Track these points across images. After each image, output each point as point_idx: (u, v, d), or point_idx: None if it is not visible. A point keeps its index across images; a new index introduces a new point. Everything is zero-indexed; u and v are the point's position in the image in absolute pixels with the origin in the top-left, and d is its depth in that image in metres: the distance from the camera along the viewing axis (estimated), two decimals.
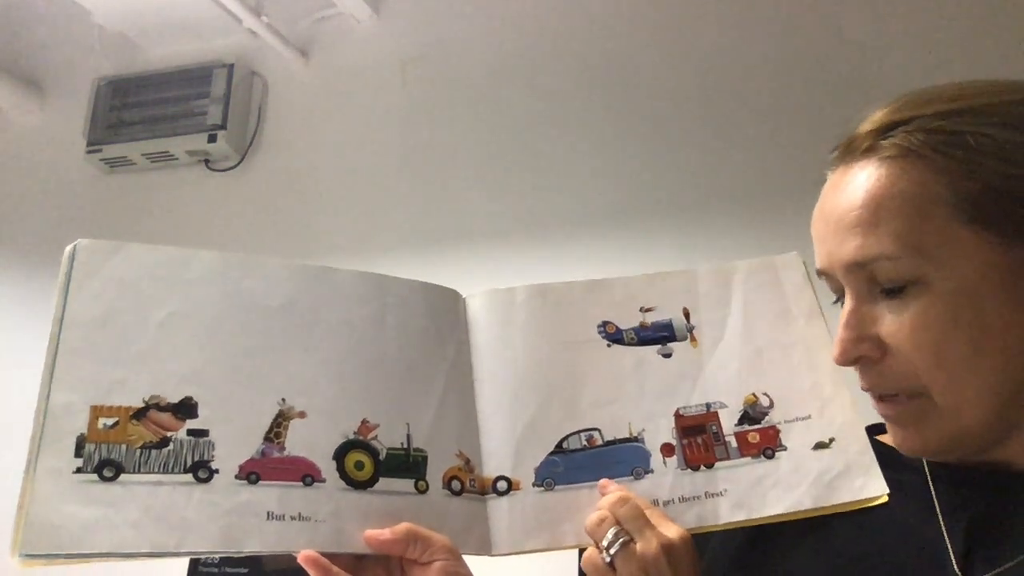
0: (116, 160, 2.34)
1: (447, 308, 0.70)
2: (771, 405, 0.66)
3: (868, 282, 0.56)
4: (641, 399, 0.67)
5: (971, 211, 0.52)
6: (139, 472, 0.55)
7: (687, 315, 0.70)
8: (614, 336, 0.69)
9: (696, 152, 1.92)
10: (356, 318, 0.65)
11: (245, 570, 1.79)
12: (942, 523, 0.58)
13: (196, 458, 0.57)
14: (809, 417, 0.66)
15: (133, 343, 0.58)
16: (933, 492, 0.60)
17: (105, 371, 0.56)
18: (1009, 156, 0.52)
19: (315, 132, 2.27)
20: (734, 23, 1.98)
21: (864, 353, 0.56)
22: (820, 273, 0.61)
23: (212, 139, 2.24)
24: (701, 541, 0.64)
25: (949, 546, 0.56)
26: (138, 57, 2.44)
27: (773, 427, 0.66)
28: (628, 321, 0.69)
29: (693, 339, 0.69)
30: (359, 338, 0.65)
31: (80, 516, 0.52)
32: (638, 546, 0.58)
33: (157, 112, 2.31)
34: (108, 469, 0.54)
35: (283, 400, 0.60)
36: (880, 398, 0.58)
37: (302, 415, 0.60)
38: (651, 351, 0.69)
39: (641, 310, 0.70)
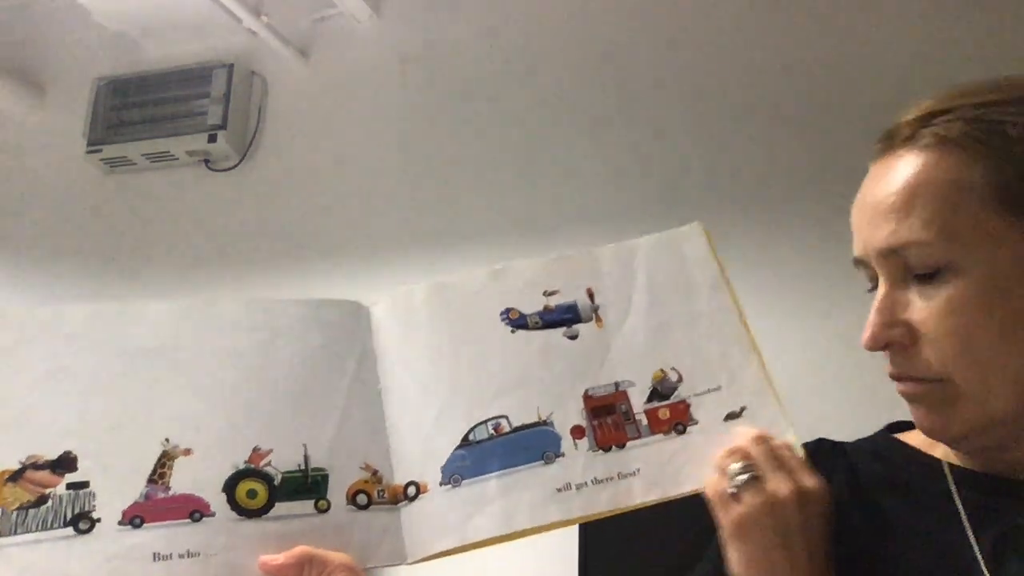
0: (116, 160, 2.34)
1: (345, 322, 0.69)
2: (679, 380, 0.66)
3: (901, 269, 0.56)
4: (549, 383, 0.66)
5: (1005, 199, 0.53)
6: (15, 534, 0.55)
7: (591, 296, 0.69)
8: (517, 322, 0.68)
9: (696, 152, 1.92)
10: (243, 347, 0.65)
11: None
12: (968, 530, 0.57)
13: (76, 511, 0.57)
14: (719, 388, 0.65)
15: (9, 406, 0.58)
16: (957, 499, 0.59)
17: None
18: None
19: (315, 132, 2.27)
20: (734, 23, 1.98)
21: (894, 339, 0.56)
22: (856, 262, 0.61)
23: (212, 139, 2.24)
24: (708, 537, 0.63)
25: (978, 554, 0.55)
26: (138, 57, 2.44)
27: (683, 401, 0.65)
28: (532, 306, 0.69)
29: (598, 319, 0.69)
30: (247, 367, 0.64)
31: None
32: (768, 484, 0.57)
33: (157, 112, 2.31)
34: None
35: (167, 440, 0.60)
36: (903, 378, 0.58)
37: (187, 452, 0.60)
38: (556, 334, 0.68)
39: (544, 294, 0.69)
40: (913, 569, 0.57)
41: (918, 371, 0.56)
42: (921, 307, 0.55)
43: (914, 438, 0.66)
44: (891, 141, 0.59)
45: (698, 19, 2.02)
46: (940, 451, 0.63)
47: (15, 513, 0.55)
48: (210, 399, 0.62)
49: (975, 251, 0.53)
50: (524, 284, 0.70)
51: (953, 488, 0.60)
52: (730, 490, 0.58)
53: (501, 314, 0.69)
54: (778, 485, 0.57)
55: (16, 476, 0.56)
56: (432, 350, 0.68)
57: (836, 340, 1.62)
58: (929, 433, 0.58)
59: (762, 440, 0.60)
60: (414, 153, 2.16)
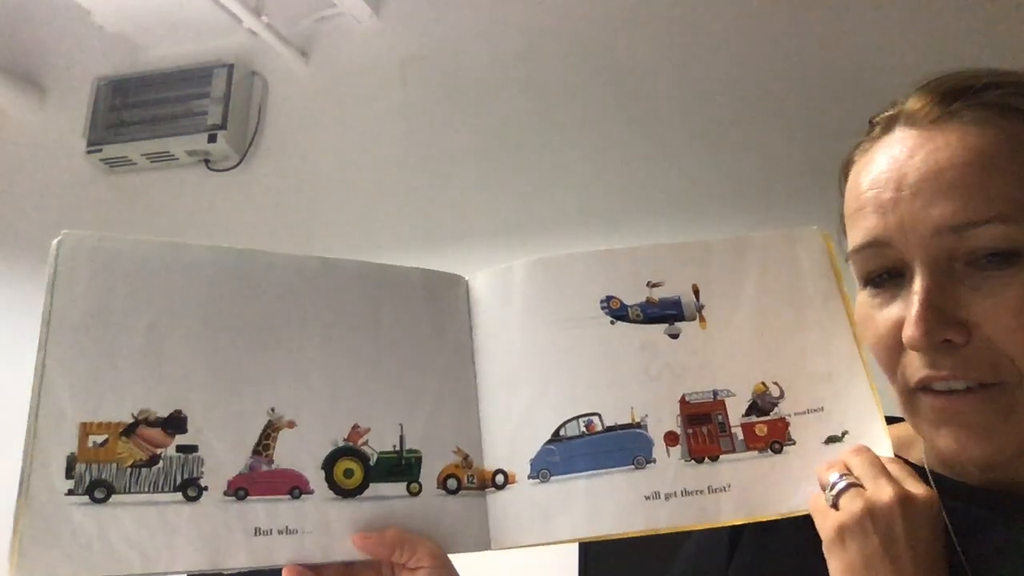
0: (116, 160, 2.34)
1: (447, 294, 0.68)
2: (781, 395, 0.62)
3: (949, 255, 0.50)
4: (645, 383, 0.62)
5: None
6: (129, 492, 0.54)
7: (696, 292, 0.65)
8: (618, 312, 0.64)
9: (696, 152, 1.92)
10: (352, 313, 0.63)
11: None
12: (955, 541, 0.54)
13: (185, 476, 0.56)
14: (821, 409, 0.61)
15: (122, 348, 0.56)
16: (943, 509, 0.55)
17: (94, 382, 0.55)
18: None
19: (315, 132, 2.27)
20: (734, 23, 1.98)
21: (950, 337, 0.49)
22: (866, 246, 0.54)
23: (212, 139, 2.24)
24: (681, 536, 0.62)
25: (965, 565, 0.53)
26: (138, 57, 2.44)
27: (782, 419, 0.62)
28: (634, 296, 0.64)
29: (702, 319, 0.64)
30: (354, 336, 0.63)
31: (74, 539, 0.52)
32: (868, 491, 0.52)
33: (157, 112, 2.31)
34: (99, 490, 0.54)
35: (272, 409, 0.59)
36: (947, 392, 0.51)
37: (291, 424, 0.59)
38: (657, 330, 0.64)
39: (648, 285, 0.65)
40: None
41: (972, 373, 0.49)
42: (984, 298, 0.48)
43: (893, 434, 0.63)
44: (914, 117, 0.53)
45: (698, 19, 2.02)
46: (917, 456, 0.61)
47: (129, 471, 0.55)
48: (314, 368, 0.61)
49: None
50: (629, 271, 0.65)
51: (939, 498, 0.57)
52: (829, 500, 0.54)
53: (602, 302, 0.64)
54: (879, 491, 0.52)
55: (130, 431, 0.55)
56: (527, 334, 0.65)
57: None
58: (969, 462, 0.52)
59: (863, 450, 0.56)
60: (414, 153, 2.16)
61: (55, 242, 0.57)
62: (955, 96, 0.52)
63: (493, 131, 2.11)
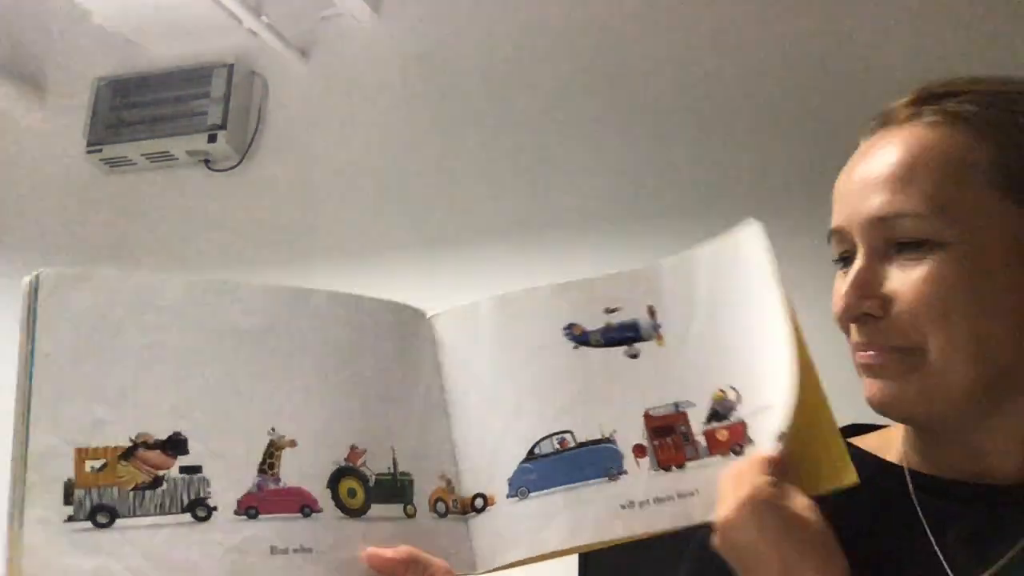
0: (116, 160, 2.34)
1: (415, 329, 0.68)
2: (738, 399, 0.65)
3: (884, 240, 0.57)
4: (611, 401, 0.66)
5: (1007, 182, 0.54)
6: (135, 516, 0.52)
7: (652, 313, 0.68)
8: (581, 338, 0.68)
9: (696, 152, 1.92)
10: (334, 340, 0.63)
11: None
12: (929, 533, 0.58)
13: (192, 496, 0.54)
14: (771, 406, 0.63)
15: (112, 378, 0.54)
16: (916, 501, 0.60)
17: (86, 410, 0.53)
18: None
19: (315, 132, 2.27)
20: (734, 23, 1.98)
21: (867, 310, 0.57)
22: (833, 232, 0.61)
23: (212, 139, 2.24)
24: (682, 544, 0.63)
25: (942, 559, 0.56)
26: (138, 57, 2.44)
27: (741, 422, 0.64)
28: (594, 323, 0.68)
29: (659, 337, 0.67)
30: (339, 361, 0.62)
31: (79, 568, 0.49)
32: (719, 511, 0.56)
33: (157, 112, 2.31)
34: (102, 515, 0.51)
35: (273, 429, 0.58)
36: (871, 347, 0.58)
37: (292, 444, 0.58)
38: (618, 352, 0.67)
39: (606, 311, 0.68)
40: (876, 574, 0.57)
41: (889, 340, 0.56)
42: (899, 278, 0.56)
43: (871, 442, 0.67)
44: (890, 119, 0.60)
45: (698, 19, 2.02)
46: (896, 455, 0.64)
47: (131, 493, 0.52)
48: (310, 390, 0.60)
49: (966, 228, 0.54)
50: (587, 300, 0.68)
51: (912, 493, 0.60)
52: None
53: (564, 330, 0.68)
54: (722, 509, 0.56)
55: (128, 454, 0.53)
56: (498, 365, 0.67)
57: (834, 340, 1.61)
58: (880, 405, 0.58)
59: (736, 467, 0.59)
60: (414, 153, 2.16)
61: (30, 278, 0.54)
62: (925, 101, 0.58)
63: (492, 131, 2.11)
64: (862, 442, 0.67)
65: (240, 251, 2.21)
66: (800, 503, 0.54)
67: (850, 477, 0.58)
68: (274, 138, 2.31)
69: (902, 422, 0.61)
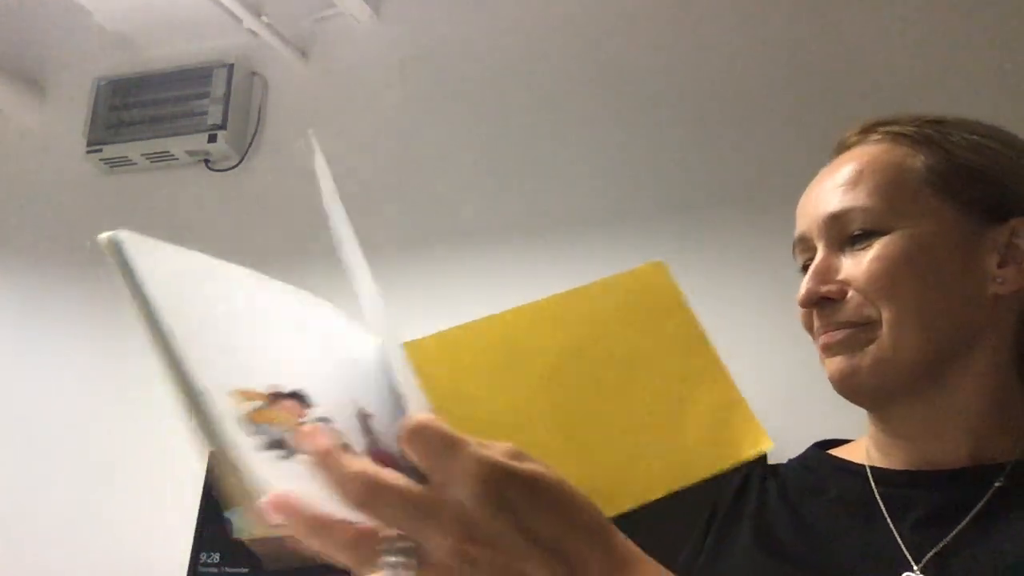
0: (116, 160, 2.34)
1: None
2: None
3: (839, 234, 0.65)
4: None
5: (939, 183, 0.63)
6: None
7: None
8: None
9: (696, 152, 1.92)
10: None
11: (245, 570, 1.79)
12: (890, 523, 0.62)
13: (340, 442, 0.53)
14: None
15: (224, 334, 0.53)
16: (877, 495, 0.64)
17: (220, 358, 0.51)
18: (980, 151, 0.64)
19: (315, 132, 2.27)
20: (733, 23, 1.99)
21: (826, 294, 0.64)
22: (797, 242, 0.69)
23: (212, 139, 2.24)
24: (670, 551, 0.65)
25: (900, 542, 0.60)
26: (138, 57, 2.45)
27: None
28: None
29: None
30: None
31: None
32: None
33: (157, 112, 2.31)
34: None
35: (355, 400, 0.58)
36: (827, 328, 0.64)
37: (370, 416, 0.59)
38: None
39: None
40: (841, 565, 0.61)
41: (845, 317, 0.63)
42: (853, 265, 0.63)
43: (839, 451, 0.71)
44: (841, 145, 0.70)
45: (698, 20, 2.02)
46: (862, 457, 0.68)
47: (293, 432, 0.50)
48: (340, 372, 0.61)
49: (906, 218, 0.62)
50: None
51: (874, 486, 0.64)
52: None
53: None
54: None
55: (273, 400, 0.52)
56: None
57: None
58: (839, 381, 0.64)
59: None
60: (413, 153, 2.16)
61: (108, 236, 0.50)
62: (872, 128, 0.69)
63: (492, 131, 2.11)
64: (832, 452, 0.72)
65: (240, 251, 2.21)
66: None
67: (766, 443, 0.62)
68: (274, 138, 2.31)
69: (859, 399, 0.65)
